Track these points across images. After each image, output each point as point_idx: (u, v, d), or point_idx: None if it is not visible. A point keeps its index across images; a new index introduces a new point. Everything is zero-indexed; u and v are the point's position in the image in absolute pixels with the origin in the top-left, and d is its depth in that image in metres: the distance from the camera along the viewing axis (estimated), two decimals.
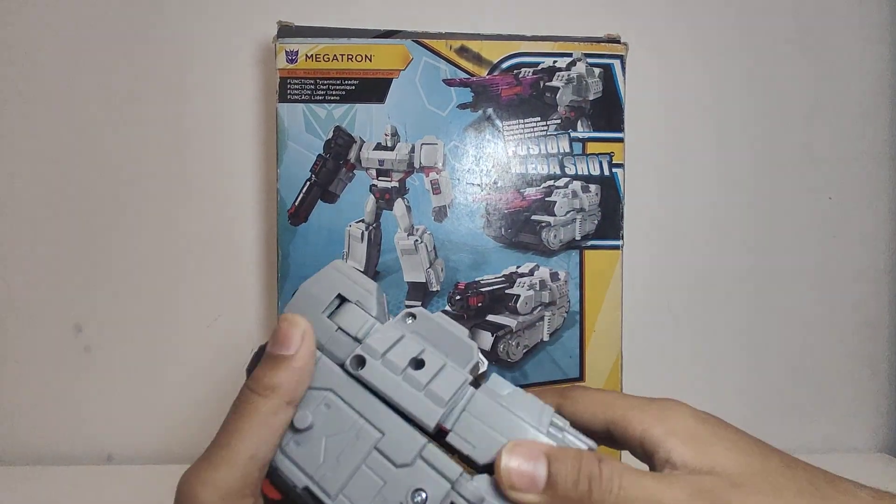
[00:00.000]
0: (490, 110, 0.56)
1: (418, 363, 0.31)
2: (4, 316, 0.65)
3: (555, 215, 0.56)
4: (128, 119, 0.64)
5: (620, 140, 0.57)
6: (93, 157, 0.64)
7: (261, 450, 0.29)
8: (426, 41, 0.56)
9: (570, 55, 0.57)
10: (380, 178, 0.55)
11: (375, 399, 0.30)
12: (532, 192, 0.56)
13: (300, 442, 0.30)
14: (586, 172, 0.56)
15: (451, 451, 0.30)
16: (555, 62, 0.57)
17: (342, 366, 0.31)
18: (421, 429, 0.29)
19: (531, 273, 0.56)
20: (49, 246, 0.65)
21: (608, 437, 0.33)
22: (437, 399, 0.29)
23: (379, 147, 0.55)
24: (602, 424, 0.32)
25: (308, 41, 0.55)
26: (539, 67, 0.56)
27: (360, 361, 0.31)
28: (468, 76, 0.56)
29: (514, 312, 0.55)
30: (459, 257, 0.56)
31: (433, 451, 0.29)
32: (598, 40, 0.57)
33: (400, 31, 0.56)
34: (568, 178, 0.56)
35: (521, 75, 0.56)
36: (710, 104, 0.69)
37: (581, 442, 0.30)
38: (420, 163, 0.56)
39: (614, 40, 0.57)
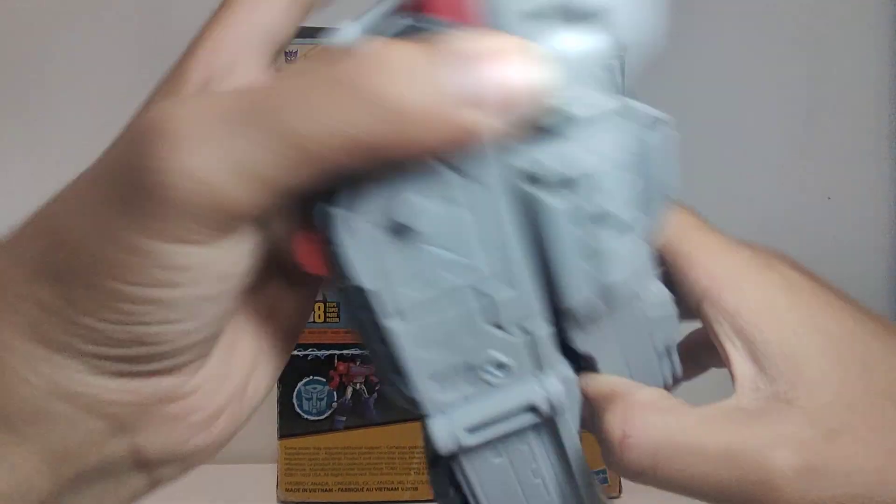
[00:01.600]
0: None
1: (603, 216, 0.20)
2: None
3: None
4: (126, 119, 0.64)
5: None
6: (91, 158, 0.64)
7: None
8: None
9: None
10: None
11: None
12: None
13: (399, 236, 0.19)
14: None
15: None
16: None
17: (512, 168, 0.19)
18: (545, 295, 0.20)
19: None
20: None
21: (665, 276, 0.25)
22: (601, 285, 0.20)
23: None
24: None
25: (307, 41, 0.55)
26: None
27: (533, 179, 0.19)
28: None
29: None
30: None
31: (544, 335, 0.21)
32: None
33: None
34: None
35: None
36: (709, 104, 0.69)
37: None
38: None
39: None
